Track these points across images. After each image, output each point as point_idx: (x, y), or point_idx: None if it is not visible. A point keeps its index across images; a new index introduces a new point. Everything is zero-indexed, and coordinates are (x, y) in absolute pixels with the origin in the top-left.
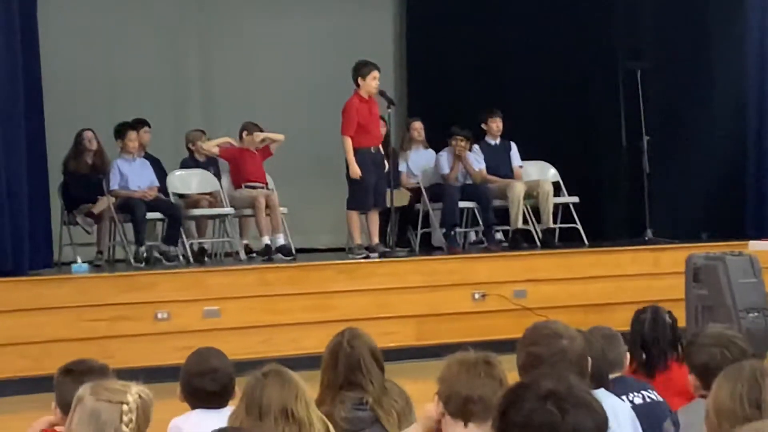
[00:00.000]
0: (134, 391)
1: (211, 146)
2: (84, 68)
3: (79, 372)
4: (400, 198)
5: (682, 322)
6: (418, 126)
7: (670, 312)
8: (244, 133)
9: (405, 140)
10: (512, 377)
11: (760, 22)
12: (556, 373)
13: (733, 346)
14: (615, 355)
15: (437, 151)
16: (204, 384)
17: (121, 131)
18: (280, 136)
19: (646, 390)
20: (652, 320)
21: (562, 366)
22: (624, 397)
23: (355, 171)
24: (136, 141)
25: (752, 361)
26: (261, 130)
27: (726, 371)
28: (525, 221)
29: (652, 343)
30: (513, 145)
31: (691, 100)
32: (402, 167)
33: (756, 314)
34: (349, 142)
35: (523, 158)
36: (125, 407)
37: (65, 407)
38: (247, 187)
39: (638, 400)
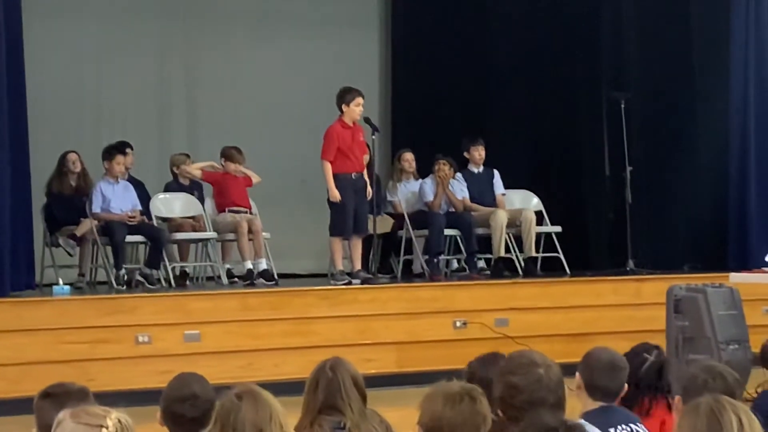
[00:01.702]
0: (114, 416)
1: (194, 169)
2: (68, 91)
3: (57, 395)
4: (382, 224)
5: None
6: (408, 157)
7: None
8: (222, 160)
9: (395, 171)
10: None
11: (744, 54)
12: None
13: (720, 378)
14: (618, 384)
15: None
16: (184, 410)
17: (110, 154)
18: (256, 177)
19: (635, 423)
20: (656, 365)
21: (539, 394)
22: (611, 429)
23: (335, 195)
24: (123, 165)
25: (708, 397)
26: (241, 154)
27: (685, 409)
28: (507, 250)
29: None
30: (496, 173)
31: (674, 131)
32: (394, 197)
33: (736, 346)
34: (328, 167)
35: (506, 187)
36: (104, 431)
37: (45, 430)
38: (230, 211)
39: None
